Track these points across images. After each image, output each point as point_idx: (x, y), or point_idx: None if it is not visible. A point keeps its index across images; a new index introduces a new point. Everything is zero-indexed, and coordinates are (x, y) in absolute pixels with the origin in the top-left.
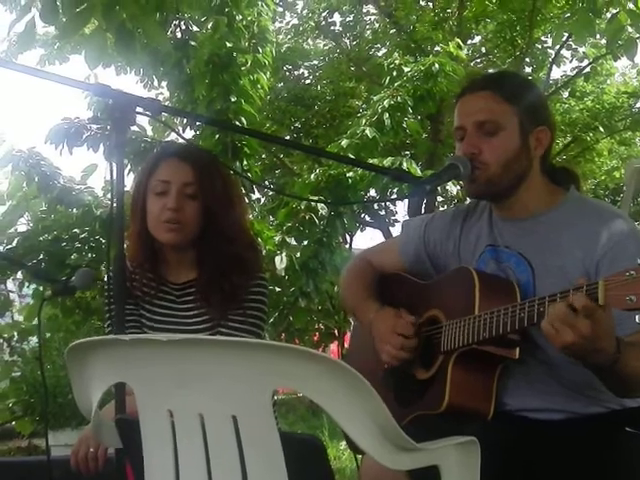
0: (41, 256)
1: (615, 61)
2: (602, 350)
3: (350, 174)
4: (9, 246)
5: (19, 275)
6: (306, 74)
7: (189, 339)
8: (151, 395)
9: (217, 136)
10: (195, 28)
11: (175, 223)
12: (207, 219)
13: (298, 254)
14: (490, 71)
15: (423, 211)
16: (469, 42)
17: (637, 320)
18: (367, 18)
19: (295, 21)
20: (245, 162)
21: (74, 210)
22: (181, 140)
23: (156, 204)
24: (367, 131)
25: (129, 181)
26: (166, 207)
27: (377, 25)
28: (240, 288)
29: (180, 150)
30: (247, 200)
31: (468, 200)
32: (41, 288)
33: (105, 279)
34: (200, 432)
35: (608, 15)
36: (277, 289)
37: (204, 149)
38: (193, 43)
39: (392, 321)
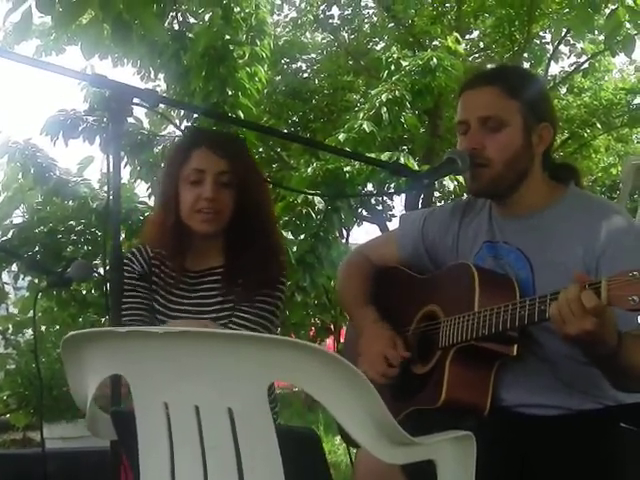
0: (37, 248)
1: (613, 57)
2: (603, 343)
3: (347, 168)
4: (4, 238)
5: (14, 267)
6: (304, 67)
7: (185, 332)
8: (147, 387)
9: (214, 129)
10: (192, 20)
11: (211, 212)
12: (240, 206)
13: (295, 248)
14: (490, 65)
15: (420, 206)
16: (467, 37)
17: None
18: (365, 12)
19: (293, 14)
20: None
21: (70, 202)
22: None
23: (190, 193)
24: (365, 125)
25: (125, 174)
26: (202, 197)
27: (375, 19)
28: (273, 275)
29: (213, 138)
30: None
31: (465, 195)
32: (36, 280)
33: (102, 272)
34: (196, 424)
35: (607, 11)
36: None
37: (233, 134)
38: (190, 35)
39: (384, 346)
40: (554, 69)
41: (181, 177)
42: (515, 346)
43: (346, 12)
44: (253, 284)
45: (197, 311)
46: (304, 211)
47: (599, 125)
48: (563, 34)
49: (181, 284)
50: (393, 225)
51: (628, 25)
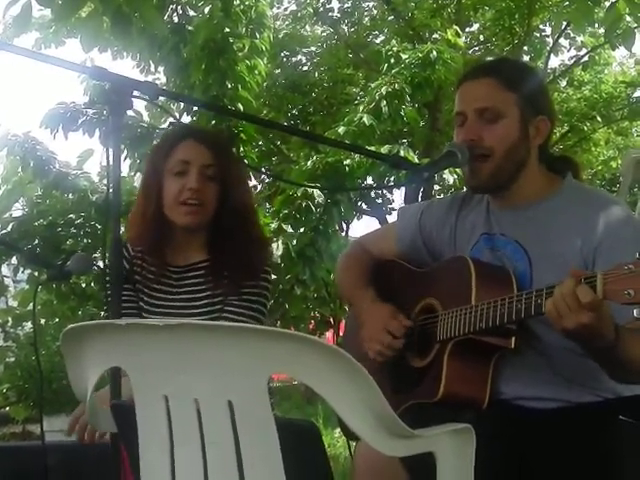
0: (36, 241)
1: (613, 50)
2: (601, 337)
3: (347, 161)
4: (4, 231)
5: (14, 260)
6: (304, 60)
7: (185, 324)
8: (147, 380)
9: (213, 122)
10: (192, 12)
11: (196, 204)
12: (223, 200)
13: (294, 241)
14: (489, 58)
15: (420, 200)
16: (467, 30)
17: (635, 314)
18: (365, 4)
19: (293, 7)
20: (242, 148)
21: (69, 195)
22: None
23: (175, 184)
24: (364, 118)
25: (125, 167)
26: (186, 187)
27: (375, 12)
28: (258, 266)
29: (198, 132)
30: None
31: (465, 188)
32: (36, 273)
33: (101, 265)
34: (195, 417)
35: (607, 4)
36: (273, 276)
37: (218, 131)
38: (190, 28)
39: (386, 318)
40: (554, 62)
41: (165, 169)
42: (513, 339)
43: (346, 5)
44: (239, 277)
45: (186, 306)
46: (304, 204)
47: (599, 118)
48: (563, 27)
49: (165, 279)
50: (393, 218)
51: (628, 18)
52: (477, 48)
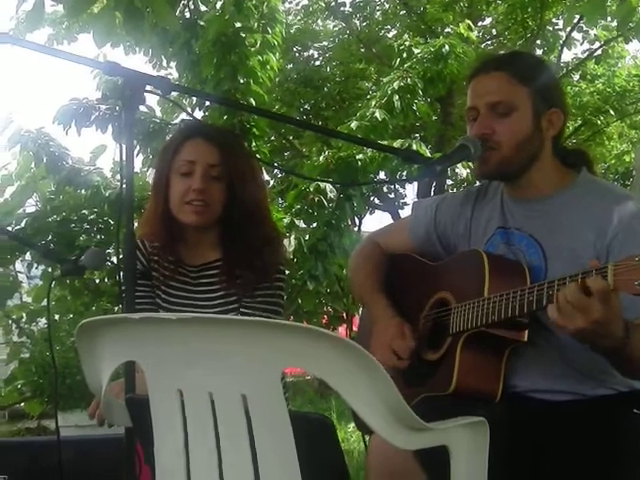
0: (50, 237)
1: (626, 44)
2: (611, 334)
3: (360, 156)
4: (18, 227)
5: (27, 256)
6: (316, 55)
7: (199, 318)
8: (161, 374)
9: (225, 117)
10: (204, 8)
11: (201, 204)
12: (231, 199)
13: (307, 236)
14: (501, 52)
15: (432, 194)
16: (480, 24)
17: None
18: None
19: (305, 2)
20: (254, 143)
21: (83, 191)
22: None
23: (180, 184)
24: (377, 113)
25: (138, 162)
26: (191, 188)
27: (387, 6)
28: (270, 265)
29: (206, 130)
30: None
31: (478, 182)
32: (50, 269)
33: (115, 260)
34: (210, 411)
35: None
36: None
37: (228, 129)
38: (202, 23)
39: (394, 335)
40: (567, 56)
41: (172, 168)
42: (525, 332)
43: None
44: (251, 277)
45: (201, 305)
46: (316, 199)
47: (612, 112)
48: (576, 21)
49: (182, 277)
50: (405, 213)
51: None
52: (489, 42)
